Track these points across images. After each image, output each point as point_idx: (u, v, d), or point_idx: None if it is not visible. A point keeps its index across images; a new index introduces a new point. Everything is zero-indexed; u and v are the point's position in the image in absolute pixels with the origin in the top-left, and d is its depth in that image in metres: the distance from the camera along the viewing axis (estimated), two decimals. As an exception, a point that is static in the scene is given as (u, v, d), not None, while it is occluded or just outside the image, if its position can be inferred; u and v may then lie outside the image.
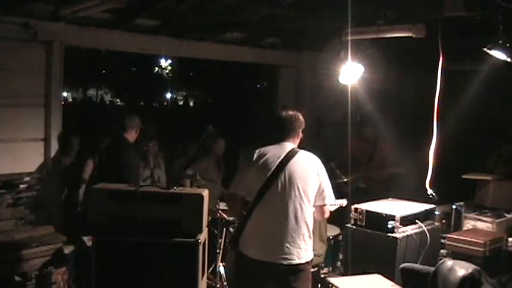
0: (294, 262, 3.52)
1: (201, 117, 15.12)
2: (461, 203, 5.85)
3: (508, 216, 5.60)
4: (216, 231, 5.18)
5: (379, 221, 4.53)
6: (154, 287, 3.91)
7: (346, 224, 4.86)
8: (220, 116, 14.85)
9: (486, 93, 6.42)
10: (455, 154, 6.57)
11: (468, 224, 5.59)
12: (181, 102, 28.31)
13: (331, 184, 3.79)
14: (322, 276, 5.05)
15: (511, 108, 6.71)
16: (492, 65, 5.48)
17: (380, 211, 4.61)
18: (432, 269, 3.58)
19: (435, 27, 4.66)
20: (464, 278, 3.32)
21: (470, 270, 3.37)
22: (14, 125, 5.25)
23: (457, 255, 4.76)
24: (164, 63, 26.91)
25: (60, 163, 5.74)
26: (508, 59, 4.60)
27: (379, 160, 6.59)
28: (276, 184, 3.54)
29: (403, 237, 4.42)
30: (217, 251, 5.13)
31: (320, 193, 3.67)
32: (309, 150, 3.76)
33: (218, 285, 5.11)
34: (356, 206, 4.77)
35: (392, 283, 3.98)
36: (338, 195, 6.20)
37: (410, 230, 4.51)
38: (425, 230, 4.57)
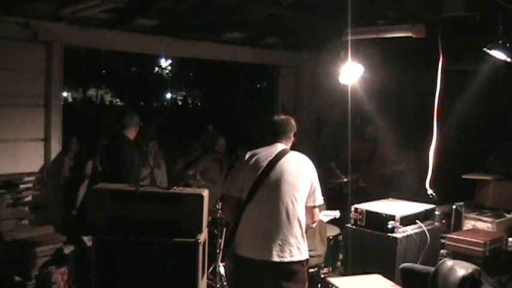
0: (286, 260, 3.50)
1: (201, 117, 15.13)
2: (461, 203, 5.85)
3: (508, 216, 5.60)
4: (216, 231, 5.18)
5: (379, 221, 4.53)
6: (154, 287, 3.91)
7: (346, 224, 4.86)
8: (220, 116, 14.85)
9: (486, 93, 6.42)
10: (455, 154, 6.58)
11: (468, 224, 5.59)
12: (180, 103, 28.31)
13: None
14: (322, 276, 5.05)
15: (511, 108, 6.70)
16: (492, 65, 5.47)
17: (380, 211, 4.60)
18: (432, 269, 3.57)
19: (435, 27, 4.67)
20: (464, 278, 3.32)
21: (470, 270, 3.36)
22: (14, 125, 5.24)
23: (457, 255, 4.76)
24: (164, 63, 26.91)
25: (60, 163, 5.73)
26: (508, 59, 4.60)
27: (380, 158, 6.59)
28: (268, 180, 3.56)
29: (403, 237, 4.42)
30: (217, 251, 5.14)
31: (311, 193, 3.68)
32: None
33: (218, 285, 5.11)
34: (356, 206, 4.77)
35: (392, 283, 3.98)
36: (338, 195, 6.27)
37: (410, 230, 4.51)
38: (425, 230, 4.57)
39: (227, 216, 4.04)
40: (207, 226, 4.19)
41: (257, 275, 3.53)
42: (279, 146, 3.71)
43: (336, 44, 5.81)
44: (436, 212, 5.03)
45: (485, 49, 4.58)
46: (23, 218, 5.06)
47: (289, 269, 3.54)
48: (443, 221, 5.64)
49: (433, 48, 4.52)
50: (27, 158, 5.34)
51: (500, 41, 4.47)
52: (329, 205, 5.39)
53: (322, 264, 5.15)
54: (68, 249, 4.84)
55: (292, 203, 3.57)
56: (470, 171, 6.22)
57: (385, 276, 4.08)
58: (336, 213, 4.52)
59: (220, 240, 5.14)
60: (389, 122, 6.83)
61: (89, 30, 5.65)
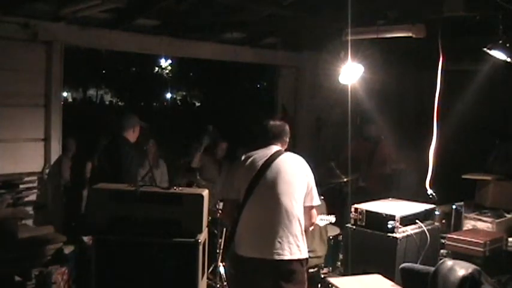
0: (286, 258, 3.51)
1: (201, 117, 15.12)
2: (461, 203, 5.85)
3: (508, 216, 5.60)
4: (216, 231, 5.18)
5: (379, 221, 4.53)
6: (154, 287, 3.91)
7: (346, 224, 4.86)
8: (220, 116, 14.84)
9: (486, 93, 6.42)
10: (455, 154, 6.57)
11: (468, 224, 5.59)
12: (180, 103, 28.29)
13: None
14: (322, 276, 5.06)
15: (511, 108, 6.70)
16: (492, 65, 5.48)
17: (380, 211, 4.60)
18: (432, 269, 3.57)
19: (435, 27, 4.67)
20: (464, 278, 3.32)
21: (470, 270, 3.36)
22: (14, 125, 5.24)
23: (457, 255, 4.76)
24: (164, 63, 26.88)
25: (60, 163, 5.74)
26: (508, 59, 4.61)
27: (380, 158, 6.59)
28: (264, 180, 3.58)
29: (403, 237, 4.42)
30: (217, 251, 5.14)
31: (308, 193, 3.70)
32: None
33: (218, 285, 5.11)
34: (356, 206, 4.77)
35: (392, 283, 3.98)
36: (338, 195, 6.27)
37: (410, 230, 4.51)
38: (425, 230, 4.57)
39: (227, 220, 4.06)
40: (207, 226, 4.20)
41: (257, 275, 3.53)
42: (274, 148, 3.75)
43: (336, 44, 5.81)
44: (436, 212, 5.03)
45: (485, 49, 4.58)
46: (23, 218, 5.05)
47: (289, 268, 3.53)
48: (443, 221, 5.64)
49: (433, 48, 4.52)
50: (27, 158, 5.34)
51: (500, 41, 4.47)
52: (329, 205, 5.39)
53: (322, 264, 5.15)
54: (68, 249, 4.84)
55: (291, 202, 3.58)
56: (470, 171, 6.22)
57: (385, 276, 4.08)
58: (332, 218, 4.55)
59: (220, 240, 5.15)
60: (389, 122, 6.82)
61: (89, 30, 5.65)
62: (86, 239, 4.77)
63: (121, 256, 3.90)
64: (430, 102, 4.62)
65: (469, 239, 4.96)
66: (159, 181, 6.32)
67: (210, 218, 4.81)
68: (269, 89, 12.61)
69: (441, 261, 3.61)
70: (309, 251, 4.70)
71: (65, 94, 22.91)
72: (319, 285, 4.99)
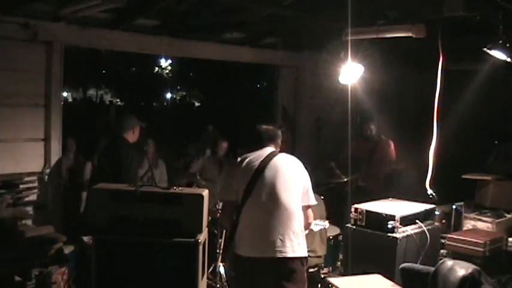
0: (288, 255, 3.52)
1: (201, 117, 15.11)
2: (461, 203, 5.85)
3: (508, 216, 5.60)
4: (216, 231, 5.18)
5: (379, 221, 4.53)
6: (154, 287, 3.91)
7: (346, 224, 4.86)
8: (220, 116, 14.84)
9: (486, 93, 6.42)
10: (455, 154, 6.58)
11: (468, 224, 5.59)
12: (180, 103, 28.28)
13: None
14: (322, 276, 5.05)
15: (511, 108, 6.70)
16: (492, 65, 5.48)
17: (380, 211, 4.60)
18: (432, 269, 3.57)
19: (435, 27, 4.67)
20: (464, 278, 3.32)
21: (470, 270, 3.36)
22: (14, 125, 5.24)
23: (457, 255, 4.76)
24: (164, 63, 26.86)
25: (60, 163, 5.74)
26: (508, 59, 4.61)
27: (380, 157, 6.59)
28: (262, 179, 3.61)
29: (403, 237, 4.42)
30: (217, 251, 5.14)
31: (305, 192, 3.74)
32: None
33: (218, 285, 5.11)
34: (356, 206, 4.77)
35: (392, 283, 3.98)
36: (338, 195, 6.27)
37: (410, 230, 4.51)
38: (425, 230, 4.57)
39: (226, 222, 4.08)
40: (207, 226, 4.19)
41: (257, 274, 3.53)
42: (269, 149, 3.81)
43: (336, 44, 5.81)
44: (436, 212, 5.03)
45: (485, 49, 4.58)
46: (23, 218, 5.06)
47: (290, 267, 3.54)
48: (443, 221, 5.64)
49: (433, 48, 4.52)
50: (27, 158, 5.34)
51: (500, 41, 4.47)
52: (329, 205, 5.39)
53: (322, 264, 5.15)
54: (68, 249, 4.84)
55: (290, 200, 3.61)
56: (470, 171, 6.22)
57: (385, 276, 4.07)
58: (326, 224, 4.56)
59: (220, 240, 5.14)
60: (389, 122, 6.83)
61: (89, 30, 5.65)
62: (86, 239, 4.77)
63: (121, 256, 3.89)
64: (430, 102, 4.62)
65: (469, 239, 4.96)
66: (158, 181, 6.32)
67: (210, 218, 4.80)
68: (269, 89, 12.59)
69: (441, 261, 3.61)
70: (308, 251, 4.70)
71: (65, 94, 22.89)
72: (319, 285, 4.99)
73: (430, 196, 4.64)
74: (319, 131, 8.06)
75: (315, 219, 4.18)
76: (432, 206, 4.86)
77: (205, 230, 4.06)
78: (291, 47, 7.80)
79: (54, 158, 5.52)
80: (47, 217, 5.32)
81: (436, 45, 4.49)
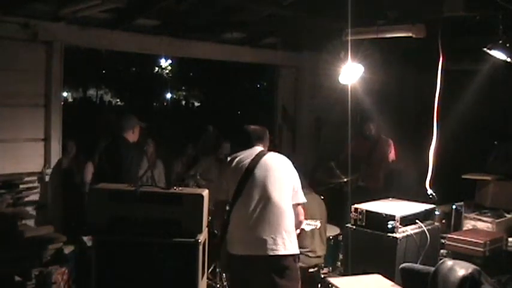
0: (280, 253, 3.55)
1: (201, 117, 15.12)
2: (461, 203, 5.85)
3: (508, 216, 5.60)
4: (216, 231, 5.18)
5: (379, 221, 4.53)
6: (154, 287, 3.91)
7: (346, 224, 4.86)
8: (220, 116, 14.85)
9: (486, 93, 6.42)
10: (455, 154, 6.57)
11: (468, 224, 5.59)
12: (180, 103, 28.29)
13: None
14: (322, 276, 5.05)
15: (511, 108, 6.70)
16: (492, 65, 5.48)
17: (380, 211, 4.60)
18: (432, 269, 3.57)
19: (435, 27, 4.67)
20: (464, 278, 3.32)
21: (470, 270, 3.36)
22: (14, 125, 5.24)
23: (457, 255, 4.76)
24: (164, 63, 26.86)
25: (61, 163, 5.73)
26: (508, 59, 4.61)
27: (379, 156, 6.59)
28: (253, 177, 3.65)
29: (403, 237, 4.42)
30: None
31: (295, 191, 3.77)
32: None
33: (218, 285, 5.11)
34: (356, 206, 4.77)
35: (392, 283, 3.98)
36: (338, 195, 6.27)
37: (410, 230, 4.51)
38: (425, 230, 4.56)
39: (217, 222, 4.11)
40: (207, 226, 4.20)
41: (250, 272, 3.57)
42: (258, 149, 3.85)
43: (336, 44, 5.81)
44: (436, 212, 5.03)
45: (485, 49, 4.58)
46: (23, 218, 5.05)
47: (282, 264, 3.57)
48: (443, 221, 5.64)
49: (433, 48, 4.52)
50: (27, 158, 5.34)
51: (500, 41, 4.47)
52: (329, 205, 5.39)
53: (322, 264, 5.15)
54: (68, 249, 4.84)
55: (281, 198, 3.64)
56: (470, 171, 6.22)
57: (385, 276, 4.08)
58: (317, 224, 4.57)
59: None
60: (389, 122, 6.83)
61: (89, 30, 5.65)
62: (86, 239, 4.77)
63: (121, 256, 3.89)
64: (430, 102, 4.62)
65: (469, 239, 4.96)
66: (156, 181, 6.31)
67: (210, 218, 4.80)
68: (269, 89, 12.60)
69: (441, 261, 3.61)
70: (309, 251, 4.71)
71: (65, 94, 22.88)
72: (319, 285, 4.99)
73: (430, 196, 4.64)
74: (319, 131, 8.06)
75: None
76: (432, 206, 4.86)
77: (205, 230, 4.06)
78: (291, 47, 7.80)
79: (54, 158, 5.52)
80: (47, 217, 5.32)
81: (436, 45, 4.49)
